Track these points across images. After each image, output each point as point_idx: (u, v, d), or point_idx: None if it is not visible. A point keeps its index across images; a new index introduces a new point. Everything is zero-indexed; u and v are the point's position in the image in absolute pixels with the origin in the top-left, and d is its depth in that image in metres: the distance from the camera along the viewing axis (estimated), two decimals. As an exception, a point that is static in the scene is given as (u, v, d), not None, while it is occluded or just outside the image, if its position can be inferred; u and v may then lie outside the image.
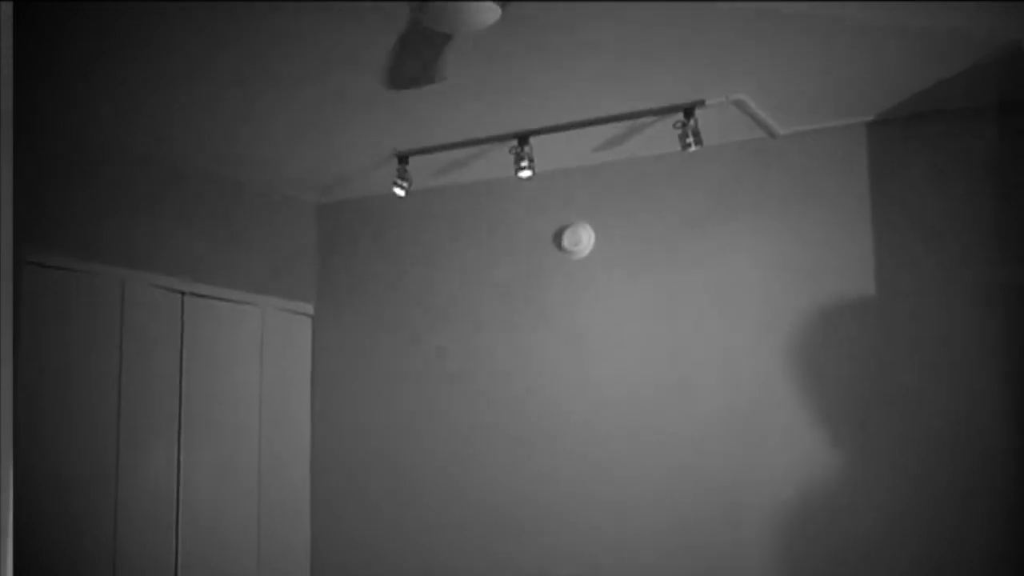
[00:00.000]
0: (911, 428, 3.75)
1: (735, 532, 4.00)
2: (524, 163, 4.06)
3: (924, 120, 3.84)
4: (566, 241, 4.43)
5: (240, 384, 4.57)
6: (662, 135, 3.99)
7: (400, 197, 4.36)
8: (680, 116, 3.77)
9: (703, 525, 4.06)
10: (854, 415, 3.86)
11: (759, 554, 3.95)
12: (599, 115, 3.88)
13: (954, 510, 3.66)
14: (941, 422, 3.71)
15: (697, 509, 4.08)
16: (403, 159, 4.28)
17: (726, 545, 4.01)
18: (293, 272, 4.94)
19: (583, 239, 4.39)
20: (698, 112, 3.76)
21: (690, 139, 3.75)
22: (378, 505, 4.75)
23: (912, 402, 3.77)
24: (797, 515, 3.90)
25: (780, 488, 3.93)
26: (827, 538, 3.84)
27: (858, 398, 3.86)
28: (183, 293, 4.36)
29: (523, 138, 4.05)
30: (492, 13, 2.69)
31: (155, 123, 3.91)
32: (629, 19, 3.05)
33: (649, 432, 4.20)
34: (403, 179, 4.28)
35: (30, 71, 3.27)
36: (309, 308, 4.98)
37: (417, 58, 3.22)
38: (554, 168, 4.44)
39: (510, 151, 4.10)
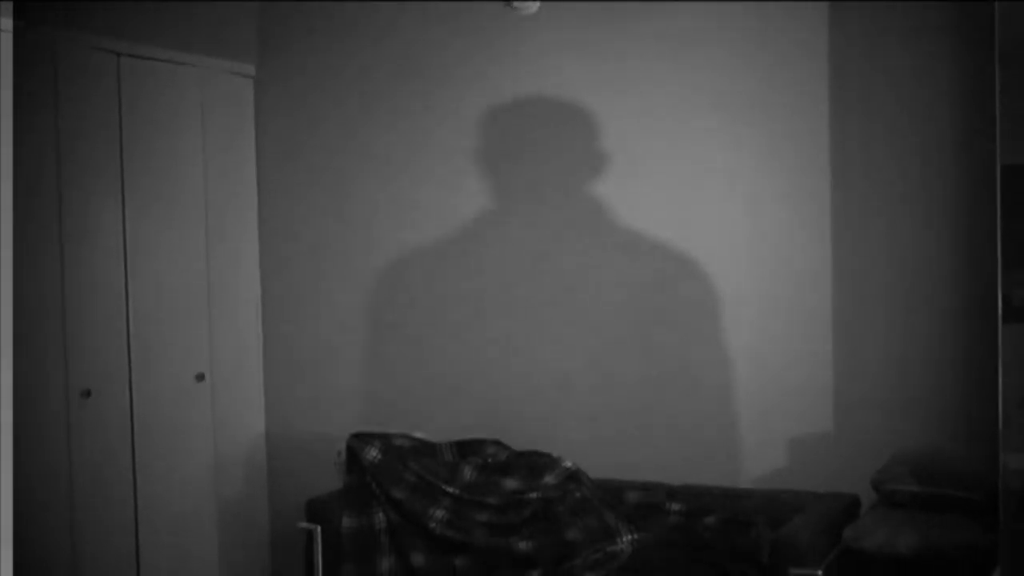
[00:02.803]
0: (867, 213, 3.86)
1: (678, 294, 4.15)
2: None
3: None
4: (515, -2, 4.29)
5: (182, 148, 4.48)
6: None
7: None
8: None
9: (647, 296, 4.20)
10: (812, 198, 3.94)
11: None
12: None
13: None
14: (897, 218, 3.82)
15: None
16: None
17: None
18: (232, 32, 4.73)
19: (530, -6, 4.26)
20: None
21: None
22: (327, 268, 4.81)
23: (867, 215, 3.85)
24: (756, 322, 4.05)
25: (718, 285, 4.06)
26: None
27: (811, 193, 3.92)
28: (119, 54, 4.20)
29: None
30: None
31: None
32: None
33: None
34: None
35: None
36: (250, 69, 4.82)
37: None
38: (504, -75, 4.25)
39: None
